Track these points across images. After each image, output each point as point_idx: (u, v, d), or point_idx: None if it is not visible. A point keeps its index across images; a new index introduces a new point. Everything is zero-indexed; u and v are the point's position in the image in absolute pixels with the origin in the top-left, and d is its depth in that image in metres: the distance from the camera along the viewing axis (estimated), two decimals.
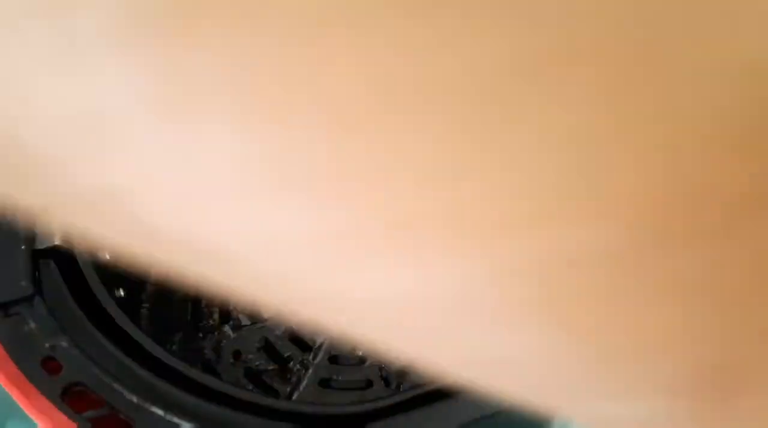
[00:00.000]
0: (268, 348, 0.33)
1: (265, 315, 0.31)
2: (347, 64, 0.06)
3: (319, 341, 0.33)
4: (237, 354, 0.29)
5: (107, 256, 0.26)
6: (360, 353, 0.33)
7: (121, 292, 0.25)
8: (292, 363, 0.31)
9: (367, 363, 0.30)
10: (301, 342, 0.33)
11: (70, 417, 0.19)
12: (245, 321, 0.34)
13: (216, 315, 0.34)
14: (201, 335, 0.31)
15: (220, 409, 0.20)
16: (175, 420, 0.20)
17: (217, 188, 0.07)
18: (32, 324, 0.21)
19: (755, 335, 0.09)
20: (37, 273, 0.22)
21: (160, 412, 0.20)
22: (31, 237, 0.23)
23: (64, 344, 0.21)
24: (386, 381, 0.27)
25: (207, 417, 0.20)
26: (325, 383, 0.27)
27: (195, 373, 0.21)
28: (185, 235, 0.08)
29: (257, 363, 0.29)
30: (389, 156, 0.07)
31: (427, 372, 0.09)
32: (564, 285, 0.08)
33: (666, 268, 0.08)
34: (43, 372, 0.20)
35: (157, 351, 0.21)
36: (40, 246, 0.23)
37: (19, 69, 0.07)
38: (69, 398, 0.20)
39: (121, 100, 0.07)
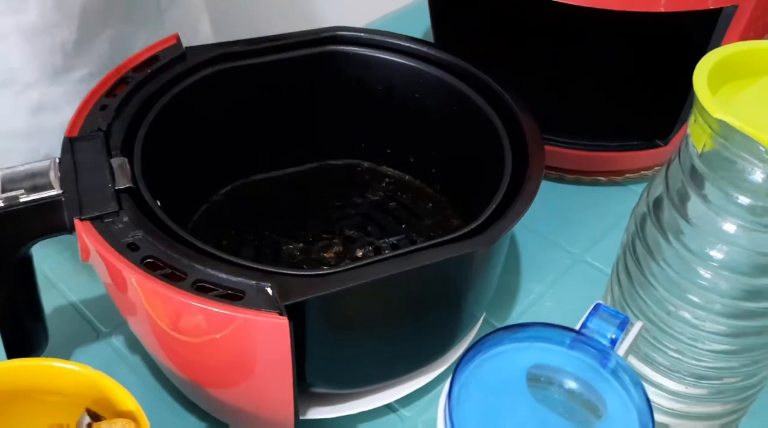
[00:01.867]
0: None
1: None
2: None
3: None
4: None
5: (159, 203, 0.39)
6: None
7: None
8: None
9: None
10: None
11: (148, 273, 0.32)
12: None
13: None
14: None
15: (245, 270, 0.33)
16: (210, 271, 0.32)
17: None
18: (119, 225, 0.34)
19: None
20: (119, 200, 0.35)
21: (201, 268, 0.33)
22: (114, 182, 0.36)
23: (140, 235, 0.34)
24: None
25: (232, 271, 0.32)
26: None
27: (221, 252, 0.34)
28: None
29: None
30: None
31: None
32: None
33: None
34: (129, 250, 0.33)
35: (195, 240, 0.34)
36: (119, 186, 0.36)
37: None
38: (145, 264, 0.33)
39: None
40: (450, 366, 0.43)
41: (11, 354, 0.40)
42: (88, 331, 0.47)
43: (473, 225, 0.36)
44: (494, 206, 0.38)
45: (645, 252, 0.36)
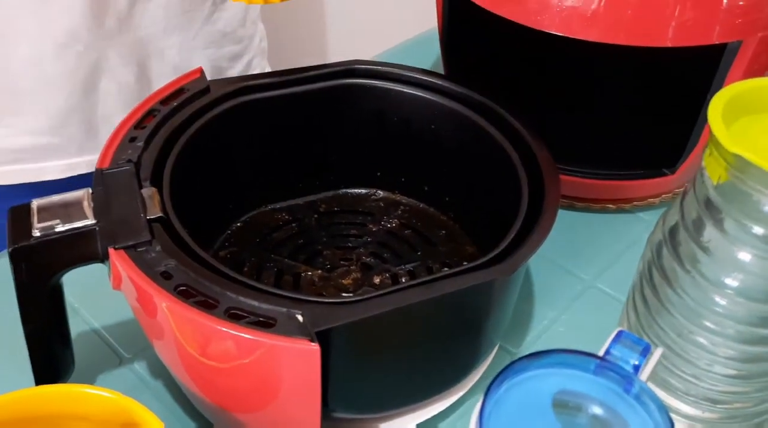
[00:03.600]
0: None
1: None
2: None
3: None
4: None
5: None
6: None
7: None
8: None
9: None
10: None
11: (182, 300, 0.33)
12: None
13: None
14: None
15: (275, 298, 0.34)
16: (242, 299, 0.33)
17: None
18: (152, 254, 0.35)
19: None
20: (151, 229, 0.36)
21: (233, 296, 0.34)
22: (145, 212, 0.37)
23: (173, 264, 0.35)
24: None
25: (263, 299, 0.33)
26: None
27: (252, 281, 0.35)
28: None
29: None
30: None
31: None
32: None
33: None
34: (162, 279, 0.34)
35: (226, 269, 0.35)
36: (151, 216, 0.37)
37: None
38: (178, 292, 0.34)
39: None
40: (468, 391, 0.44)
41: (39, 380, 0.40)
42: (110, 357, 0.47)
43: (492, 254, 0.37)
44: (512, 236, 0.39)
45: (661, 279, 0.37)
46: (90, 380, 0.46)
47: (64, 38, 0.53)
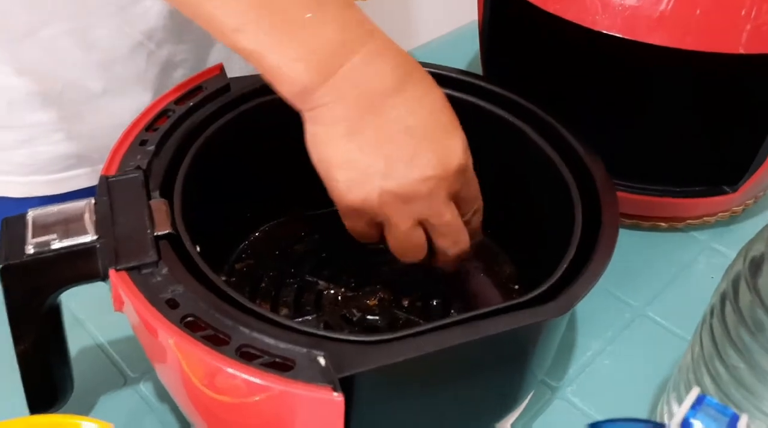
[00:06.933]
0: None
1: None
2: None
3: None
4: None
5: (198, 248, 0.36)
6: None
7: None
8: None
9: None
10: None
11: (188, 334, 0.29)
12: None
13: None
14: None
15: (294, 335, 0.30)
16: (256, 335, 0.29)
17: None
18: (158, 278, 0.31)
19: None
20: (158, 248, 0.32)
21: (246, 331, 0.29)
22: (153, 227, 0.33)
23: (180, 290, 0.31)
24: None
25: (281, 335, 0.29)
26: None
27: (268, 313, 0.31)
28: None
29: None
30: None
31: None
32: None
33: None
34: (167, 307, 0.30)
35: (240, 297, 0.31)
36: (159, 232, 0.33)
37: None
38: (185, 324, 0.30)
39: None
40: None
41: (34, 405, 0.37)
42: (115, 376, 0.44)
43: (542, 289, 0.33)
44: (565, 266, 0.34)
45: (737, 319, 0.32)
46: (91, 401, 0.42)
47: (140, 38, 0.50)
